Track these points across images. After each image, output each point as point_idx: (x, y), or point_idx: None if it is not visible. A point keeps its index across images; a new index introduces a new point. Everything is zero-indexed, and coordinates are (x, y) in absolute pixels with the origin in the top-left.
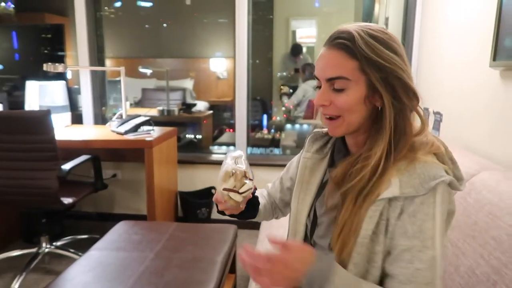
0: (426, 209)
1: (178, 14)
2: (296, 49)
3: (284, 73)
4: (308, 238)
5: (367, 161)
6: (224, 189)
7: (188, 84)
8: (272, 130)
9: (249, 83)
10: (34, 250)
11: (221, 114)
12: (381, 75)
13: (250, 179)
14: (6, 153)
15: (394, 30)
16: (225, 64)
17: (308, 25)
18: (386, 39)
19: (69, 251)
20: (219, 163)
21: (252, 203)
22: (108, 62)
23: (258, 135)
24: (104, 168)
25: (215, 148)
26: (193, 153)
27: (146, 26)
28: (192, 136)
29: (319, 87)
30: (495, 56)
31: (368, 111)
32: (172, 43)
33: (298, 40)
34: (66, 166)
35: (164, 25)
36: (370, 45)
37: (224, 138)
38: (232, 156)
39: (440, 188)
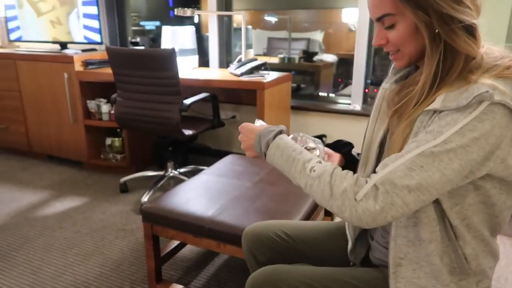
0: (457, 116)
1: None
2: None
3: None
4: None
5: (416, 84)
6: None
7: (318, 36)
8: None
9: (371, 35)
10: (162, 173)
11: (350, 67)
12: (415, 4)
13: (313, 149)
14: (138, 87)
15: None
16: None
17: None
18: None
19: (189, 178)
20: (335, 112)
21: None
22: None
23: None
24: (225, 110)
25: (336, 99)
26: (309, 100)
27: None
28: (314, 89)
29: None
30: None
31: (425, 37)
32: None
33: None
34: (187, 101)
35: None
36: None
37: (347, 91)
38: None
39: (486, 105)
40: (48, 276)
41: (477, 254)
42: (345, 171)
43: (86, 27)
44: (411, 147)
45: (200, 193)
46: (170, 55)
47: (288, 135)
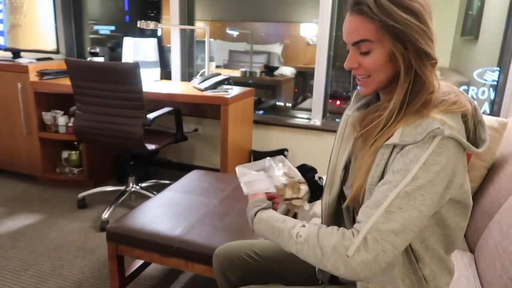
0: (418, 152)
1: None
2: None
3: None
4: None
5: (384, 110)
6: (286, 200)
7: (277, 49)
8: None
9: (331, 49)
10: (122, 188)
11: (308, 80)
12: (396, 37)
13: (303, 182)
14: (99, 100)
15: None
16: (316, 29)
17: None
18: None
19: (151, 193)
20: (296, 126)
21: (318, 187)
22: (200, 24)
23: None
24: (187, 122)
25: (294, 113)
26: (270, 115)
27: None
28: (274, 100)
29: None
30: None
31: (395, 67)
32: (264, 7)
33: None
34: (151, 116)
35: None
36: (385, 8)
37: (306, 104)
38: (273, 166)
39: (439, 139)
40: None
41: (435, 275)
42: (330, 228)
43: (41, 35)
44: (384, 189)
45: (166, 211)
46: (134, 69)
47: (255, 160)
